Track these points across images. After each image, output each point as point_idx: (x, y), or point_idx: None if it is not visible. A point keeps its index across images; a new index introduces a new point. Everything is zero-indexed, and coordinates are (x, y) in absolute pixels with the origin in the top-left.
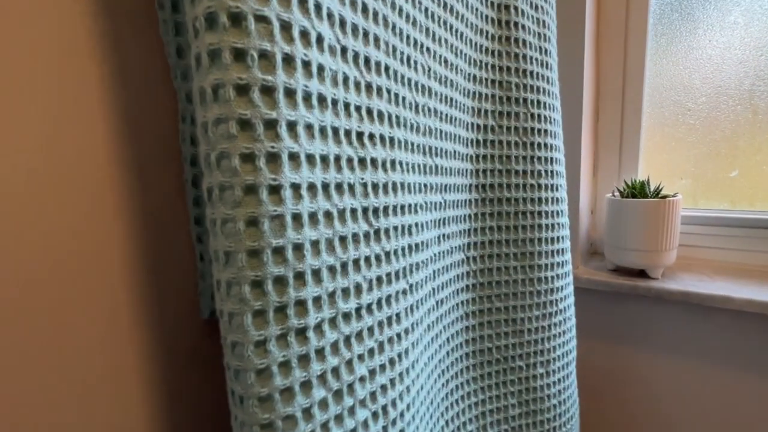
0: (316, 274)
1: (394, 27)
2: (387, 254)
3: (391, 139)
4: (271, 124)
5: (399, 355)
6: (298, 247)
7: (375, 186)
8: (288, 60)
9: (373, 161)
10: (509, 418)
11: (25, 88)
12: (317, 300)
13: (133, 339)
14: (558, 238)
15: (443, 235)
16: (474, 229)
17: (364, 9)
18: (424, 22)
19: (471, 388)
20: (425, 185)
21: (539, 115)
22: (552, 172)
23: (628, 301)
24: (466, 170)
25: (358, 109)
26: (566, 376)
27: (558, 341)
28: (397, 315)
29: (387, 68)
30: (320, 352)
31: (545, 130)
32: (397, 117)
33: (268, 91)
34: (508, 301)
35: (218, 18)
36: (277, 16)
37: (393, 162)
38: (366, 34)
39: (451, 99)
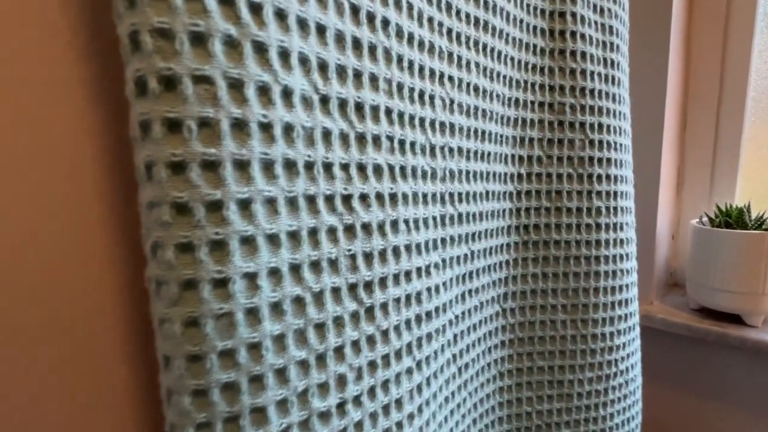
0: (281, 373)
1: (400, 60)
2: (384, 332)
3: (393, 196)
4: (215, 206)
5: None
6: (254, 347)
7: (368, 256)
8: (239, 125)
9: (366, 227)
10: None
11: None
12: (282, 403)
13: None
14: (621, 287)
15: (469, 291)
16: (513, 277)
17: (356, 45)
18: (447, 46)
19: None
20: (444, 240)
21: (600, 142)
22: (616, 209)
23: (716, 350)
24: (504, 210)
25: (345, 167)
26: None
27: (617, 407)
28: (398, 400)
29: (389, 111)
30: None
31: (608, 159)
32: (402, 168)
33: (210, 166)
34: (554, 360)
35: (148, 83)
36: (223, 74)
37: (395, 223)
38: (358, 75)
39: (484, 132)
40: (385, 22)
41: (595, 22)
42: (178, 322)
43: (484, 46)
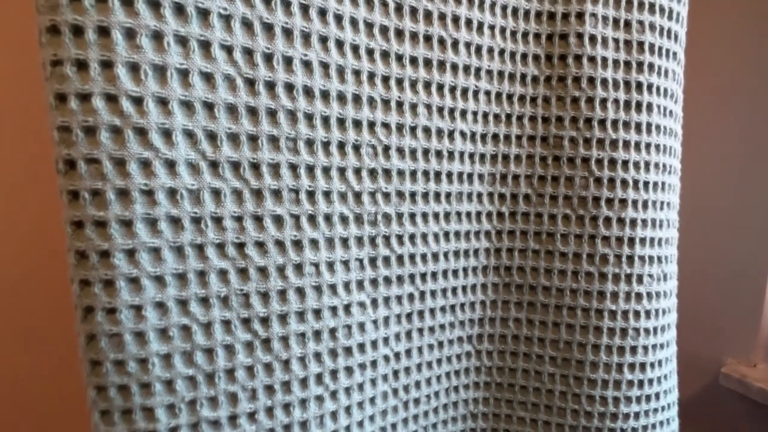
0: (168, 384)
1: (309, 118)
2: (285, 362)
3: (296, 242)
4: (105, 254)
5: None
6: (142, 361)
7: (264, 295)
8: (122, 193)
9: (262, 269)
10: None
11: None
12: (170, 407)
13: None
14: (636, 348)
15: (419, 329)
16: (490, 319)
17: (252, 112)
18: (381, 94)
19: None
20: (374, 280)
21: (612, 180)
22: (632, 258)
23: None
24: (477, 250)
25: (238, 219)
26: None
27: None
28: (303, 422)
29: (293, 167)
30: None
31: (621, 200)
32: (311, 216)
33: (101, 224)
34: (538, 414)
35: (57, 164)
36: (109, 156)
37: (299, 266)
38: (254, 138)
39: (439, 173)
40: (289, 87)
41: (614, 40)
42: (83, 335)
43: (440, 87)
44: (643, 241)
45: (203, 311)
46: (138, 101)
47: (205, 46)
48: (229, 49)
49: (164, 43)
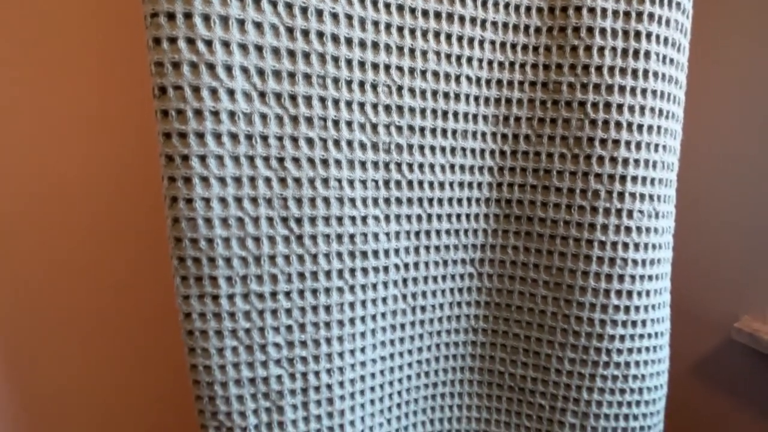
0: (228, 261)
1: (336, 60)
2: (314, 256)
3: (324, 161)
4: (185, 158)
5: (327, 340)
6: (210, 241)
7: (298, 200)
8: (198, 112)
9: (297, 180)
10: None
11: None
12: (228, 279)
13: None
14: (623, 276)
15: (426, 247)
16: (491, 246)
17: (291, 54)
18: (396, 42)
19: (473, 402)
20: (387, 199)
21: (606, 122)
22: (622, 194)
23: None
24: (481, 183)
25: (279, 138)
26: None
27: (609, 398)
28: (327, 306)
29: (322, 99)
30: (232, 315)
31: (615, 140)
32: (336, 140)
33: (182, 136)
34: (531, 331)
35: (154, 90)
36: (188, 83)
37: (325, 180)
38: (292, 75)
39: (446, 112)
40: (320, 34)
41: None
42: (170, 218)
43: (448, 36)
44: (634, 179)
45: (253, 208)
46: (209, 43)
47: (257, 1)
48: (274, 4)
49: None
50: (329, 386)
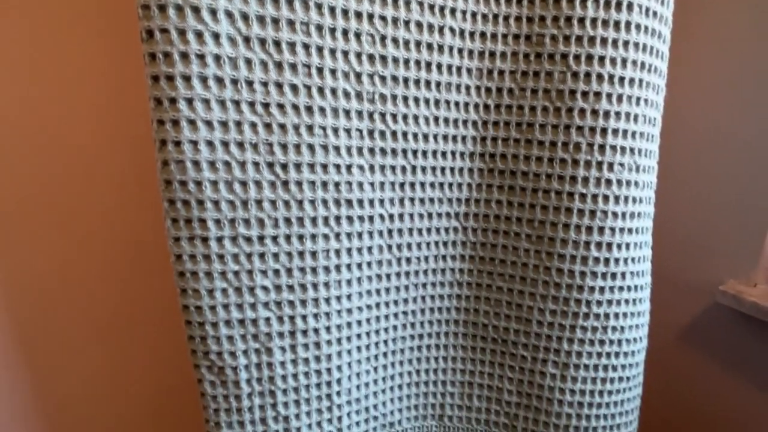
0: (216, 204)
1: (319, 7)
2: (299, 202)
3: (308, 108)
4: (173, 101)
5: (314, 285)
6: (197, 183)
7: (283, 146)
8: (184, 55)
9: (282, 126)
10: (503, 401)
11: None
12: (217, 222)
13: None
14: (603, 229)
15: (411, 199)
16: (476, 200)
17: (275, 1)
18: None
19: (457, 354)
20: (372, 149)
21: (587, 74)
22: (603, 146)
23: None
24: (464, 137)
25: (264, 84)
26: (599, 393)
27: (589, 349)
28: (312, 252)
29: (305, 46)
30: (221, 257)
31: (596, 93)
32: (320, 88)
33: (170, 78)
34: (514, 284)
35: (141, 34)
36: (174, 27)
37: (309, 127)
38: (276, 21)
39: (429, 63)
40: None
41: None
42: (159, 161)
43: None
44: (615, 132)
45: (239, 152)
46: None
47: None
48: None
49: None
50: (316, 330)
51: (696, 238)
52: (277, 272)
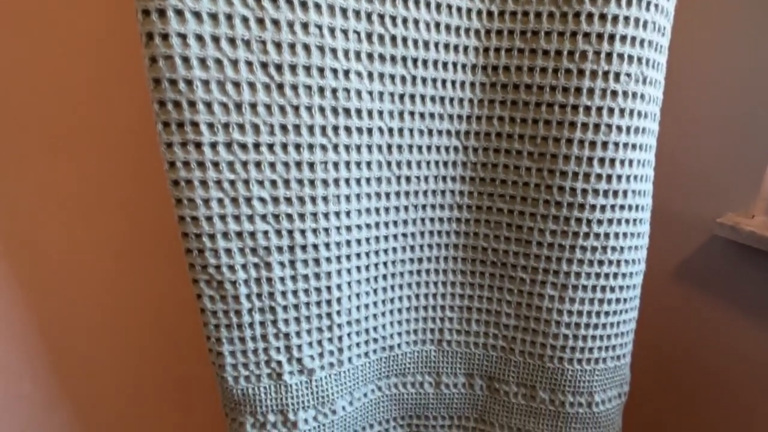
0: (208, 106)
1: None
2: (295, 108)
3: (303, 3)
4: None
5: (312, 199)
6: (188, 82)
7: (277, 45)
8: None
9: (275, 22)
10: (501, 325)
11: None
12: (210, 126)
13: None
14: (606, 144)
15: (411, 113)
16: (477, 117)
17: None
18: None
19: (456, 279)
20: (370, 54)
21: None
22: (611, 54)
23: None
24: (467, 47)
25: None
26: (596, 314)
27: (588, 270)
28: (310, 163)
29: None
30: (216, 164)
31: None
32: None
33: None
34: (515, 205)
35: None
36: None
37: (305, 24)
38: None
39: None
40: None
41: None
42: (147, 58)
43: None
44: (623, 38)
45: (231, 49)
46: None
47: None
48: None
49: None
50: (315, 246)
51: (693, 172)
52: (274, 183)
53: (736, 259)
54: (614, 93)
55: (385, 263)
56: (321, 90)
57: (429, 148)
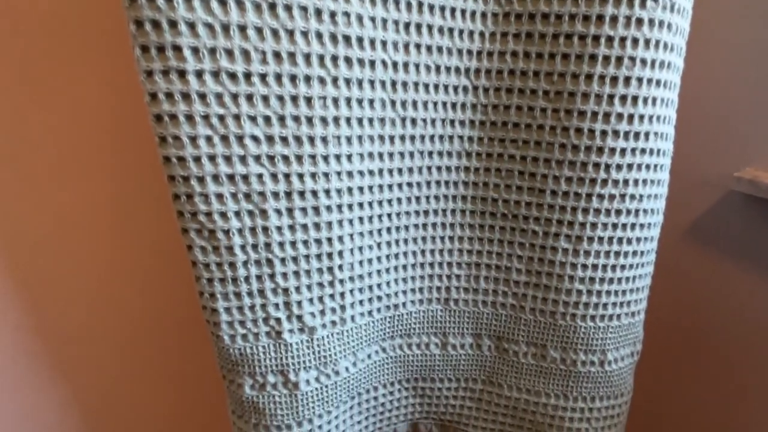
0: (192, 27)
1: None
2: (290, 32)
3: None
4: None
5: (310, 139)
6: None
7: None
8: None
9: None
10: (511, 282)
11: None
12: (195, 50)
13: None
14: (629, 79)
15: (417, 45)
16: (488, 53)
17: None
18: None
19: (464, 233)
20: None
21: None
22: None
23: None
24: None
25: None
26: (612, 268)
27: (605, 220)
28: (307, 98)
29: None
30: (203, 96)
31: None
32: None
33: None
34: (528, 150)
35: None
36: None
37: None
38: None
39: None
40: None
41: None
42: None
43: None
44: None
45: None
46: None
47: None
48: None
49: None
50: (315, 193)
51: (710, 124)
52: (267, 119)
53: (755, 214)
54: (639, 21)
55: (389, 215)
56: (318, 12)
57: (436, 87)
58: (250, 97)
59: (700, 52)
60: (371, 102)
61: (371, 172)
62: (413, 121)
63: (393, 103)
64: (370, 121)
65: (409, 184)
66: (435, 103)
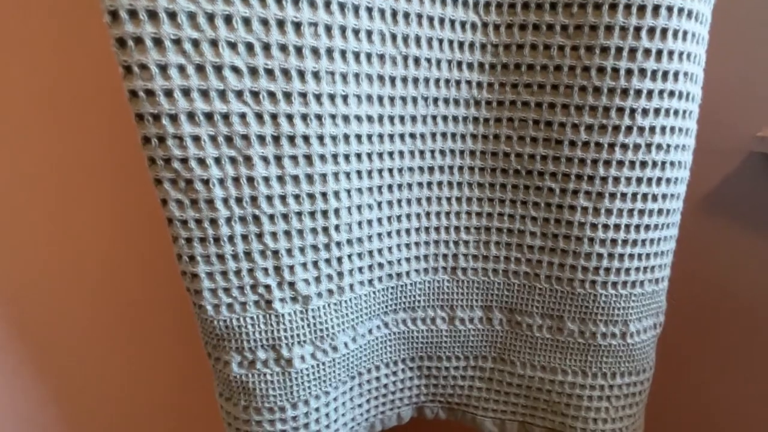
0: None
1: None
2: None
3: None
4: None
5: (300, 72)
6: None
7: None
8: None
9: None
10: (524, 247)
11: None
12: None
13: None
14: (662, 9)
15: None
16: None
17: None
18: None
19: (473, 194)
20: None
21: None
22: None
23: None
24: None
25: None
26: (636, 228)
27: (628, 173)
28: (296, 24)
29: None
30: (173, 15)
31: None
32: None
33: None
34: (543, 96)
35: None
36: None
37: None
38: None
39: None
40: None
41: None
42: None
43: None
44: None
45: None
46: None
47: None
48: None
49: None
50: (306, 138)
51: (729, 80)
52: (250, 47)
53: None
54: None
55: (390, 170)
56: None
57: (442, 21)
58: (228, 19)
59: (720, 3)
60: (369, 34)
61: (370, 118)
62: (416, 61)
63: (393, 37)
64: (368, 56)
65: (413, 135)
66: (441, 41)
